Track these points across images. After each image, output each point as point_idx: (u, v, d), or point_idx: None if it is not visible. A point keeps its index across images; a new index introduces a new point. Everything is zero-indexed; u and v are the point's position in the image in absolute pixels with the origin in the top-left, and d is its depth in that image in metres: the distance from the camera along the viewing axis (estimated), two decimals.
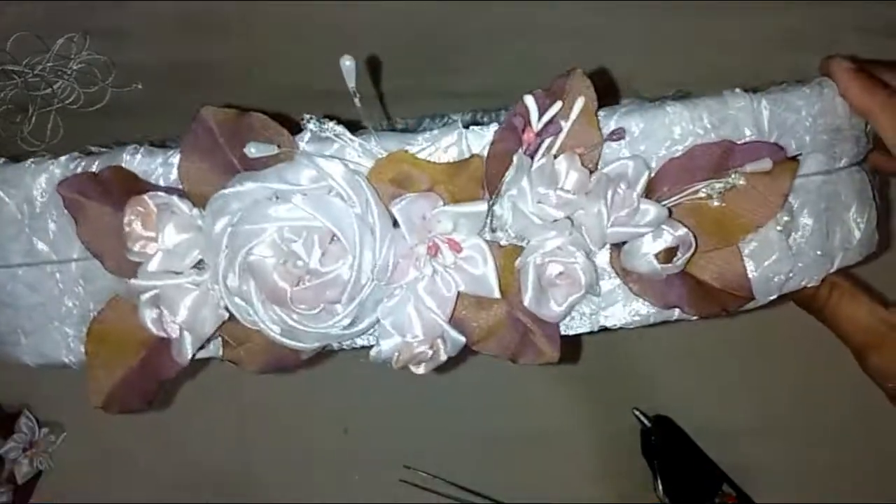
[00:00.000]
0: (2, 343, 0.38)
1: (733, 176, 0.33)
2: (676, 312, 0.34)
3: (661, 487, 0.62)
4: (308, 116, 0.34)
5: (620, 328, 0.35)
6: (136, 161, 0.35)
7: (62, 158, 0.36)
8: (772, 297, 0.36)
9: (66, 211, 0.35)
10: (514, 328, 0.34)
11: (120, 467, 0.66)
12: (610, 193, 0.31)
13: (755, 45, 0.58)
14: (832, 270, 0.38)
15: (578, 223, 0.32)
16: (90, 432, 0.65)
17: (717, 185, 0.33)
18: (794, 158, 0.34)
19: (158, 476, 0.66)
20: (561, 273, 0.32)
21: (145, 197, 0.33)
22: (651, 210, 0.31)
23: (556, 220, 0.31)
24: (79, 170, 0.35)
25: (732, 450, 0.64)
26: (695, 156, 0.33)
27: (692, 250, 0.33)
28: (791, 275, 0.36)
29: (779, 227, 0.35)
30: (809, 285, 0.37)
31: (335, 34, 0.63)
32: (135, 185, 0.34)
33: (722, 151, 0.33)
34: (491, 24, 0.64)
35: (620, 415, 0.65)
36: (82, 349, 0.37)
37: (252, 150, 0.31)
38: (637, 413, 0.64)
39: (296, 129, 0.34)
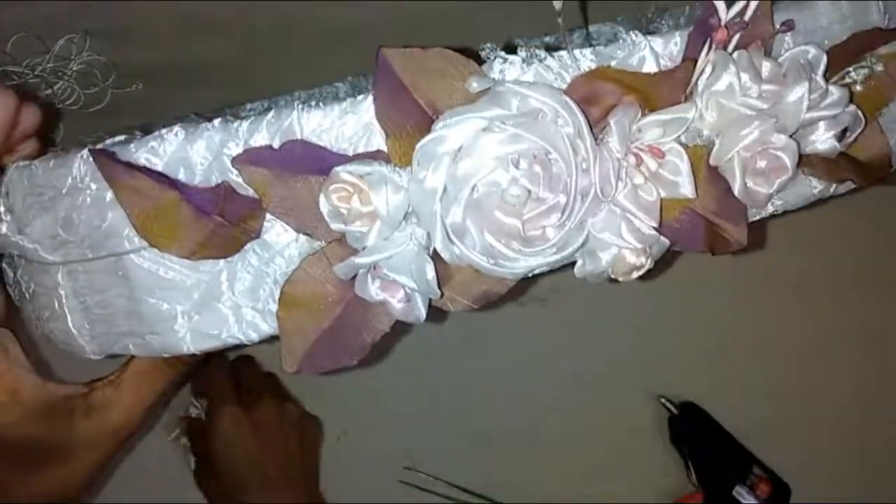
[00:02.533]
0: (155, 334, 0.36)
1: (871, 60, 0.36)
2: (842, 187, 0.37)
3: (693, 474, 0.64)
4: (490, 45, 0.33)
5: (785, 212, 0.37)
6: (306, 118, 0.33)
7: (217, 121, 0.33)
8: None
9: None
10: (700, 225, 0.35)
11: (120, 467, 0.63)
12: (807, 78, 0.33)
13: None
14: None
15: (775, 108, 0.33)
16: None
17: (862, 72, 0.36)
18: None
19: (158, 476, 0.65)
20: (766, 161, 0.33)
21: (344, 174, 0.31)
22: (835, 92, 0.34)
23: (760, 110, 0.33)
24: (241, 132, 0.33)
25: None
26: (850, 42, 0.36)
27: (862, 127, 0.35)
28: None
29: None
30: None
31: (335, 34, 0.63)
32: (321, 157, 0.32)
33: (869, 38, 0.36)
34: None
35: (634, 409, 0.68)
36: (260, 322, 0.35)
37: (474, 85, 0.31)
38: (664, 401, 0.66)
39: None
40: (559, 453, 0.67)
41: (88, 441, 0.39)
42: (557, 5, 0.32)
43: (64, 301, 0.37)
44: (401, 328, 0.34)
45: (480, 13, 0.68)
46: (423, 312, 0.33)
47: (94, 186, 0.34)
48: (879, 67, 0.36)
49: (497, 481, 0.66)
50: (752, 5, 0.33)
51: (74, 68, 0.56)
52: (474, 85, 0.31)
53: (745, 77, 0.32)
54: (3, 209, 0.37)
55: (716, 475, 0.64)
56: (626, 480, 0.67)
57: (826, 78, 0.35)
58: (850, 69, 0.36)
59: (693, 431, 0.65)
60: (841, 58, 0.36)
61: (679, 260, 0.60)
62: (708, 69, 0.33)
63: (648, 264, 0.34)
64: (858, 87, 0.36)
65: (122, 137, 0.34)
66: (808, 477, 0.66)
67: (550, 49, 0.34)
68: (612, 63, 0.33)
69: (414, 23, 0.65)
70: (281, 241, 0.34)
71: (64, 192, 0.35)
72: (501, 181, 0.31)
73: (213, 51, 0.59)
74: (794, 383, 0.69)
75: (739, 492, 0.64)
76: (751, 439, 0.66)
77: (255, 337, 0.35)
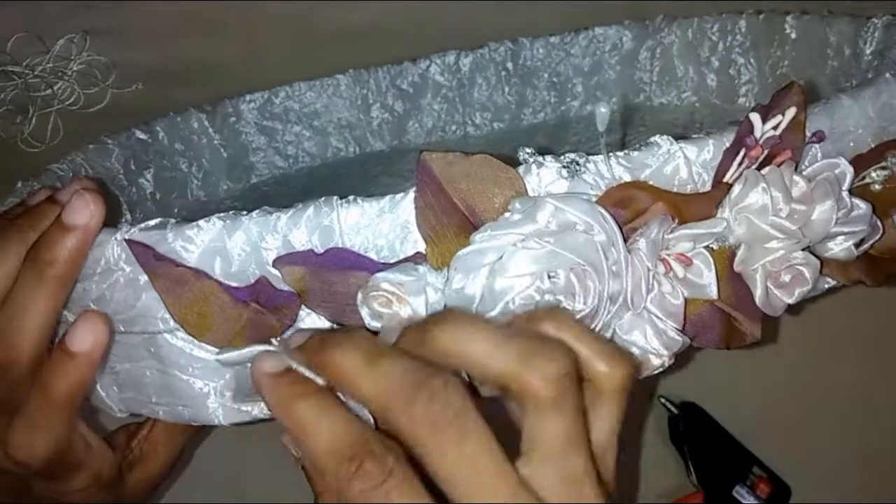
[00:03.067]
0: (187, 407, 0.37)
1: (891, 161, 0.37)
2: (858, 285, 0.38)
3: (693, 474, 0.65)
4: (529, 150, 0.33)
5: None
6: (345, 215, 0.33)
7: (254, 214, 0.33)
8: None
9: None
10: (718, 319, 0.37)
11: None
12: (835, 196, 0.34)
13: None
14: None
15: (801, 225, 0.34)
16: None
17: (883, 173, 0.37)
18: None
19: None
20: (790, 275, 0.34)
21: (384, 284, 0.32)
22: (861, 206, 0.35)
23: (788, 231, 0.34)
24: (280, 227, 0.33)
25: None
26: (873, 150, 0.36)
27: (880, 235, 0.36)
28: None
29: None
30: None
31: (335, 34, 0.63)
32: (362, 262, 0.33)
33: (889, 143, 0.37)
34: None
35: (634, 408, 0.68)
36: None
37: (517, 206, 0.31)
38: (663, 401, 0.67)
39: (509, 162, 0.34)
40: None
41: (133, 493, 0.41)
42: (601, 118, 0.32)
43: None
44: None
45: (481, 13, 0.67)
46: None
47: (127, 269, 0.34)
48: None
49: None
50: (787, 119, 0.33)
51: (74, 68, 0.56)
52: (517, 206, 0.31)
53: (776, 197, 0.33)
54: None
55: (716, 475, 0.65)
56: (626, 480, 0.69)
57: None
58: (872, 170, 0.37)
59: (693, 431, 0.66)
60: (867, 163, 0.37)
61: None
62: (739, 185, 0.33)
63: (669, 362, 0.36)
64: (878, 187, 0.37)
65: (156, 222, 0.34)
66: (808, 477, 0.67)
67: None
68: (647, 172, 0.34)
69: (414, 23, 0.65)
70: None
71: (98, 272, 0.35)
72: (538, 294, 0.32)
73: (213, 51, 0.59)
74: (794, 383, 0.70)
75: (739, 492, 0.65)
76: (751, 439, 0.67)
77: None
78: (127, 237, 0.34)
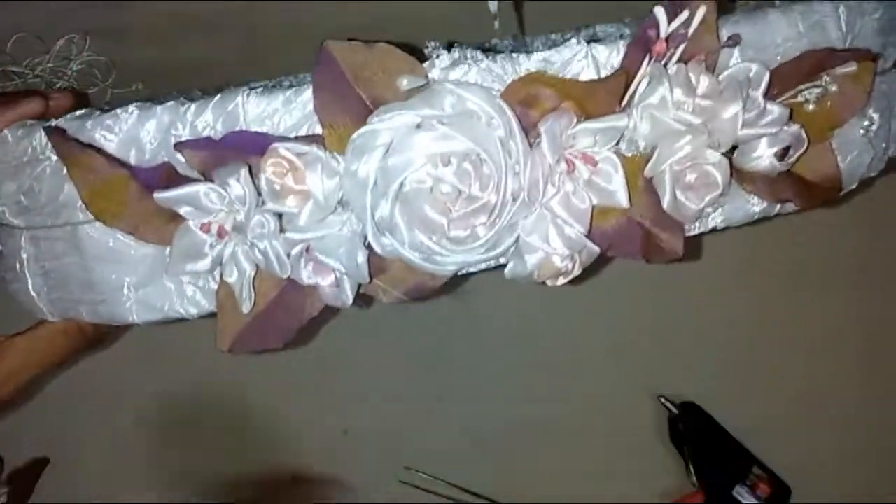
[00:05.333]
0: (104, 302, 0.37)
1: (826, 80, 0.36)
2: (788, 206, 0.37)
3: (693, 474, 0.64)
4: (434, 43, 0.34)
5: (726, 227, 0.37)
6: (250, 104, 0.34)
7: (169, 103, 0.34)
8: (853, 187, 0.39)
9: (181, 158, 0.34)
10: (636, 232, 0.36)
11: (119, 467, 0.65)
12: (743, 96, 0.33)
13: None
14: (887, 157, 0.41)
15: (709, 125, 0.34)
16: (93, 431, 0.64)
17: (815, 91, 0.36)
18: (874, 59, 0.37)
19: (157, 476, 0.66)
20: (697, 175, 0.34)
21: (283, 150, 0.32)
22: (775, 110, 0.34)
23: (692, 125, 0.33)
24: (189, 115, 0.34)
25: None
26: (802, 61, 0.35)
27: (805, 147, 0.35)
28: (868, 165, 0.39)
29: (861, 125, 0.38)
30: (874, 174, 0.40)
31: (335, 34, 0.64)
32: (261, 140, 0.33)
33: (822, 57, 0.36)
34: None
35: (634, 409, 0.67)
36: (200, 298, 0.37)
37: (405, 83, 0.31)
38: (663, 401, 0.65)
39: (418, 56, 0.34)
40: (559, 453, 0.67)
41: None
42: (493, 6, 0.32)
43: (25, 265, 0.39)
44: (327, 314, 0.35)
45: (481, 13, 0.68)
46: (350, 297, 0.34)
47: (53, 158, 0.36)
48: (834, 87, 0.36)
49: (497, 481, 0.66)
50: (697, 19, 0.33)
51: (74, 68, 0.58)
52: (405, 83, 0.31)
53: (678, 91, 0.32)
54: None
55: (716, 475, 0.64)
56: (626, 480, 0.67)
57: (774, 95, 0.35)
58: (803, 88, 0.36)
59: (693, 431, 0.65)
60: (793, 76, 0.36)
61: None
62: (644, 81, 0.33)
63: (576, 270, 0.35)
64: (811, 107, 0.36)
65: (80, 113, 0.36)
66: (808, 477, 0.65)
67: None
68: (553, 68, 0.33)
69: (414, 23, 0.66)
70: None
71: (25, 161, 0.36)
72: (431, 178, 0.32)
73: (213, 51, 0.60)
74: (795, 383, 0.68)
75: (739, 492, 0.63)
76: (751, 439, 0.66)
77: (194, 312, 0.37)
78: (49, 125, 0.35)
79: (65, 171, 0.35)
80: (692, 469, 0.64)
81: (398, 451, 0.66)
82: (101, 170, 0.35)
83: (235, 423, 0.65)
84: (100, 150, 0.35)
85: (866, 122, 0.38)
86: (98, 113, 0.36)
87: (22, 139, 0.36)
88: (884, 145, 0.40)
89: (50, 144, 0.35)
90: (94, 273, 0.37)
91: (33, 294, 0.39)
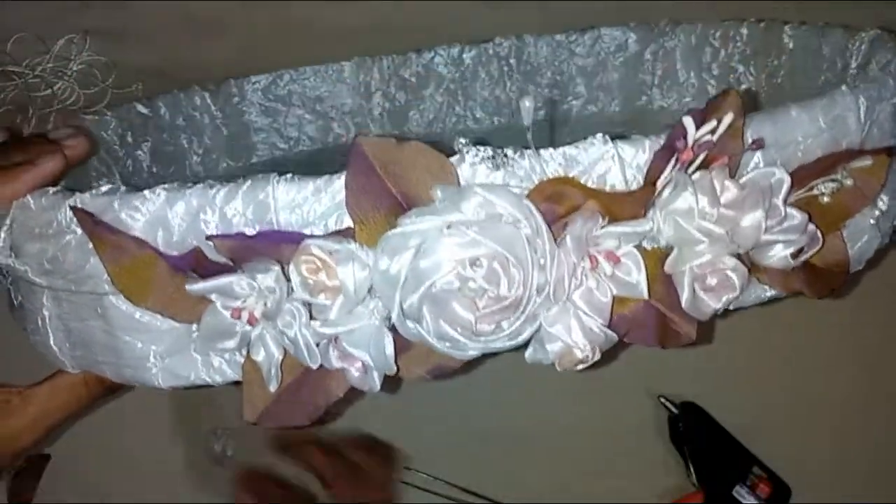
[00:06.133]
0: (129, 367, 0.38)
1: (842, 174, 0.37)
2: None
3: (693, 474, 0.65)
4: (464, 141, 0.34)
5: (738, 309, 0.39)
6: (280, 192, 0.34)
7: (197, 187, 0.35)
8: (859, 269, 0.41)
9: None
10: (653, 318, 0.37)
11: (119, 467, 0.66)
12: (765, 204, 0.34)
13: None
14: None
15: (731, 231, 0.34)
16: (91, 431, 0.65)
17: (831, 185, 0.37)
18: (889, 152, 0.38)
19: (157, 476, 0.67)
20: (717, 280, 0.35)
21: (315, 248, 0.33)
22: (796, 216, 0.35)
23: (714, 235, 0.34)
24: (218, 200, 0.34)
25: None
26: (821, 161, 0.36)
27: (819, 246, 0.36)
28: (876, 248, 0.40)
29: (872, 214, 0.39)
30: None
31: (335, 34, 0.64)
32: (293, 237, 0.34)
33: (840, 156, 0.36)
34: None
35: (634, 409, 0.69)
36: (227, 369, 0.37)
37: (439, 194, 0.32)
38: (663, 400, 0.67)
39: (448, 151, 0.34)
40: (559, 453, 0.69)
41: None
42: (527, 107, 0.33)
43: (47, 321, 0.40)
44: (356, 394, 0.36)
45: (481, 13, 0.68)
46: (377, 384, 0.36)
47: (78, 232, 0.36)
48: (849, 182, 0.37)
49: (497, 481, 0.67)
50: (723, 126, 0.33)
51: (74, 68, 0.57)
52: (438, 194, 0.32)
53: (703, 201, 0.33)
54: (6, 226, 0.39)
55: (716, 475, 0.66)
56: (626, 480, 0.69)
57: (791, 193, 0.36)
58: (820, 181, 0.37)
59: (693, 431, 0.66)
60: (812, 173, 0.36)
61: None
62: (669, 187, 0.33)
63: (595, 357, 0.36)
64: (826, 199, 0.37)
65: (105, 189, 0.36)
66: (808, 477, 0.67)
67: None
68: (578, 169, 0.34)
69: (414, 23, 0.65)
70: None
71: (51, 232, 0.36)
72: (459, 280, 0.33)
73: (214, 51, 0.60)
74: (795, 383, 0.70)
75: (739, 492, 0.65)
76: (751, 439, 0.67)
77: (220, 381, 0.38)
78: (73, 204, 0.35)
79: (90, 245, 0.36)
80: (692, 469, 0.66)
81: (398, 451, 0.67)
82: (129, 249, 0.35)
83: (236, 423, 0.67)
84: (127, 232, 0.35)
85: (877, 212, 0.39)
86: (123, 190, 0.36)
87: (45, 211, 0.36)
88: (892, 223, 0.41)
89: (75, 220, 0.36)
90: (120, 341, 0.38)
91: (55, 349, 0.40)
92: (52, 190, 0.37)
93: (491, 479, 0.68)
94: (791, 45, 0.58)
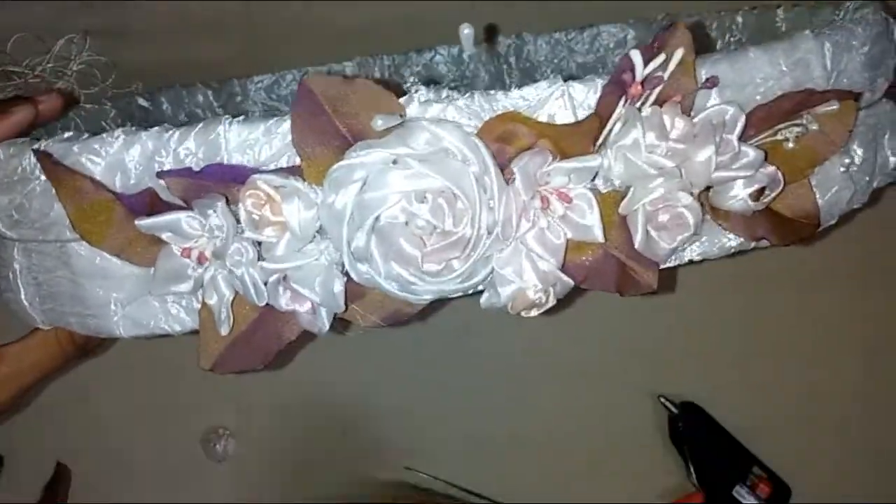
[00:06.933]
0: (93, 316, 0.39)
1: (807, 119, 0.36)
2: (764, 242, 0.37)
3: (693, 474, 0.64)
4: (413, 79, 0.34)
5: (703, 260, 0.38)
6: (232, 133, 0.35)
7: (153, 130, 0.35)
8: (832, 222, 0.39)
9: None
10: (612, 265, 0.36)
11: (119, 467, 0.66)
12: (716, 140, 0.33)
13: None
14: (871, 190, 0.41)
15: (682, 167, 0.34)
16: (91, 433, 0.66)
17: (796, 129, 0.36)
18: (857, 97, 0.37)
19: (157, 477, 0.67)
20: (670, 217, 0.34)
21: (261, 182, 0.33)
22: (750, 153, 0.34)
23: (664, 169, 0.33)
24: (172, 142, 0.35)
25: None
26: (781, 102, 0.35)
27: (781, 188, 0.35)
28: (849, 201, 0.39)
29: (842, 162, 0.38)
30: (857, 206, 0.41)
31: (335, 34, 0.65)
32: (240, 172, 0.34)
33: (802, 98, 0.36)
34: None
35: (634, 409, 0.68)
36: (185, 316, 0.38)
37: (379, 123, 0.32)
38: (663, 400, 0.66)
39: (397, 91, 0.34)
40: (559, 453, 0.68)
41: None
42: (465, 34, 0.33)
43: (18, 276, 0.40)
44: (306, 338, 0.36)
45: (481, 13, 0.68)
46: (326, 324, 0.35)
47: (42, 178, 0.36)
48: (814, 126, 0.36)
49: (497, 481, 0.67)
50: (674, 62, 0.33)
51: (74, 68, 0.58)
52: (379, 123, 0.32)
53: (651, 135, 0.33)
54: None
55: (716, 475, 0.65)
56: (626, 480, 0.68)
57: (751, 136, 0.35)
58: (782, 126, 0.36)
59: (693, 431, 0.66)
60: (773, 116, 0.36)
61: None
62: (619, 123, 0.33)
63: (549, 302, 0.35)
64: (791, 145, 0.36)
65: (66, 135, 0.36)
66: (808, 477, 0.66)
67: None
68: (527, 107, 0.34)
69: (414, 23, 0.66)
70: None
71: (16, 179, 0.37)
72: (405, 214, 0.33)
73: (213, 51, 0.60)
74: (795, 383, 0.68)
75: (739, 492, 0.64)
76: (751, 439, 0.66)
77: (179, 329, 0.38)
78: (37, 147, 0.36)
79: (54, 191, 0.36)
80: (692, 469, 0.65)
81: (398, 452, 0.67)
82: (88, 192, 0.35)
83: (234, 424, 0.67)
84: (86, 174, 0.35)
85: (847, 160, 0.38)
86: (85, 136, 0.36)
87: (12, 158, 0.37)
88: (867, 178, 0.40)
89: (39, 165, 0.36)
90: (83, 288, 0.38)
91: (26, 303, 0.41)
92: (20, 140, 0.38)
93: (491, 479, 0.67)
94: (783, 28, 0.57)
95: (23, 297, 0.41)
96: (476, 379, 0.68)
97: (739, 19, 0.61)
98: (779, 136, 0.36)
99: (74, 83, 0.60)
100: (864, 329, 0.68)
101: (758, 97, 0.36)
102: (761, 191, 0.35)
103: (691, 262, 0.38)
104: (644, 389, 0.68)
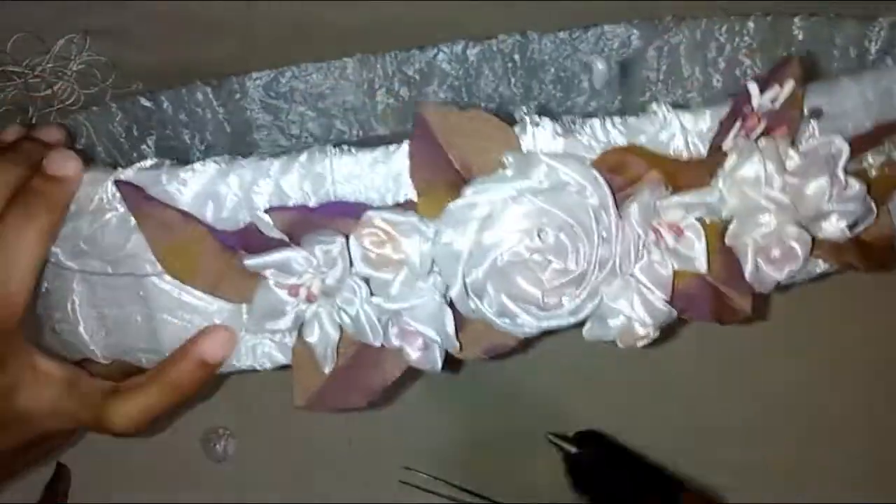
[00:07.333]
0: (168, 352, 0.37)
1: (889, 147, 0.37)
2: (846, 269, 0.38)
3: None
4: (525, 110, 0.34)
5: (790, 284, 0.39)
6: (338, 164, 0.33)
7: (250, 159, 0.33)
8: None
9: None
10: (709, 294, 0.36)
11: (119, 467, 0.64)
12: (829, 172, 0.34)
13: None
14: None
15: (795, 200, 0.34)
16: (91, 433, 0.63)
17: (879, 158, 0.37)
18: None
19: (157, 477, 0.65)
20: (781, 251, 0.34)
21: (379, 220, 0.32)
22: (856, 185, 0.35)
23: (780, 203, 0.34)
24: (272, 172, 0.33)
25: (726, 448, 0.66)
26: (871, 131, 0.36)
27: (873, 218, 0.36)
28: None
29: None
30: None
31: (335, 34, 0.64)
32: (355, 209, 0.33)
33: (890, 126, 0.37)
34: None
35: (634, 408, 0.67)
36: (276, 353, 0.36)
37: (509, 160, 0.31)
38: (552, 438, 0.58)
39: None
40: (559, 453, 0.68)
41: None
42: (599, 69, 0.32)
43: (77, 307, 0.38)
44: (412, 375, 0.35)
45: (482, 13, 0.67)
46: (439, 362, 0.34)
47: (120, 209, 0.34)
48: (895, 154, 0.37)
49: (497, 481, 0.66)
50: (785, 93, 0.33)
51: (74, 68, 0.56)
52: (510, 160, 0.31)
53: (770, 168, 0.33)
54: None
55: None
56: None
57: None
58: (868, 154, 0.37)
59: (600, 467, 0.57)
60: (864, 144, 0.37)
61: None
62: (735, 155, 0.33)
63: (654, 334, 0.35)
64: (874, 173, 0.37)
65: (151, 162, 0.34)
66: (807, 477, 0.67)
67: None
68: (642, 137, 0.34)
69: (414, 23, 0.65)
70: None
71: (90, 210, 0.35)
72: (527, 251, 0.32)
73: (213, 51, 0.60)
74: (794, 382, 0.69)
75: None
76: (747, 440, 0.67)
77: (268, 366, 0.36)
78: (119, 177, 0.34)
79: (133, 223, 0.34)
80: None
81: (398, 451, 0.66)
82: (176, 226, 0.33)
83: (237, 430, 0.65)
84: (174, 206, 0.33)
85: None
86: (170, 164, 0.34)
87: (86, 186, 0.35)
88: None
89: (118, 196, 0.34)
90: (162, 324, 0.36)
91: (86, 337, 0.38)
92: (98, 170, 0.35)
93: (491, 480, 0.67)
94: (801, 37, 0.58)
95: (82, 329, 0.38)
96: (477, 379, 0.68)
97: (751, 24, 0.62)
98: (863, 164, 0.37)
99: (74, 83, 0.57)
100: (864, 327, 0.70)
101: (849, 126, 0.36)
102: (856, 220, 0.36)
103: (778, 284, 0.39)
104: (643, 389, 0.68)
